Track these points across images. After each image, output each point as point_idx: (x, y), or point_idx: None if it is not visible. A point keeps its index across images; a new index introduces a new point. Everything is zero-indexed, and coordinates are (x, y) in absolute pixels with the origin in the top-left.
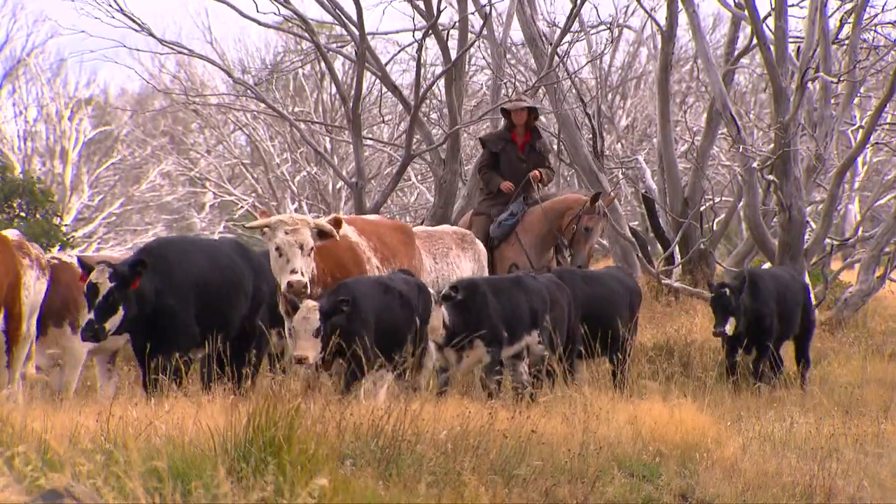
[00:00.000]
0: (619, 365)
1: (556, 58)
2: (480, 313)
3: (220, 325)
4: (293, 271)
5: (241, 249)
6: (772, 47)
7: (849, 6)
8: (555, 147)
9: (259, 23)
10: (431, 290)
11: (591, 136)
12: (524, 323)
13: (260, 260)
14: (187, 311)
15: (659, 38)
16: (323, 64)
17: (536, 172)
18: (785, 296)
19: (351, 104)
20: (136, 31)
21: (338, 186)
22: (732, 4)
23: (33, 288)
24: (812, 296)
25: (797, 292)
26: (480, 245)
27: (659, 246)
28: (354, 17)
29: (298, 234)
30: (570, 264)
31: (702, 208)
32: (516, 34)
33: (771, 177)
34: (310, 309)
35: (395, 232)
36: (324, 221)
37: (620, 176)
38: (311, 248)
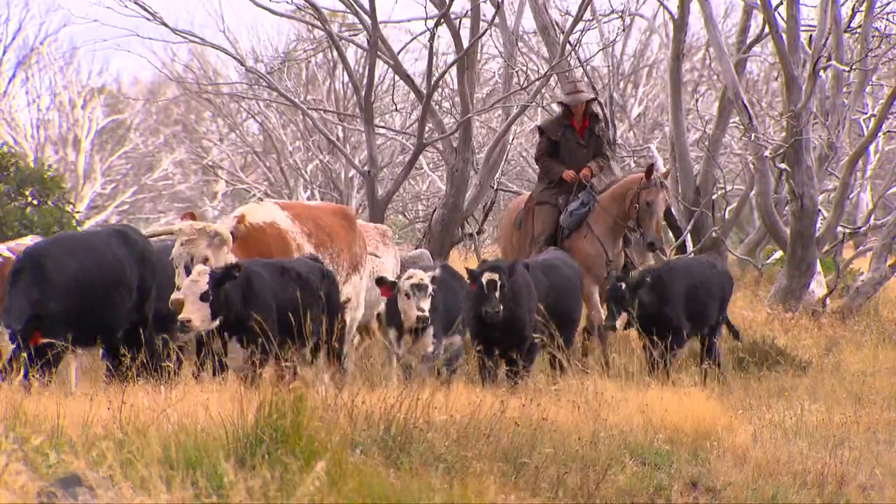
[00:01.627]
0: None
1: (568, 46)
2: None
3: (103, 322)
4: (177, 288)
5: (124, 240)
6: (784, 36)
7: None
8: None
9: (272, 11)
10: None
11: (602, 124)
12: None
13: (144, 248)
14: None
15: (671, 26)
16: (335, 52)
17: (587, 170)
18: (696, 290)
19: (363, 93)
20: (149, 19)
21: (350, 175)
22: None
23: None
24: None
25: (713, 285)
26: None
27: (671, 234)
28: (367, 6)
29: (192, 245)
30: (643, 245)
31: (714, 197)
32: (528, 22)
33: (783, 165)
34: (200, 273)
35: (334, 216)
36: (225, 226)
37: (632, 165)
38: (205, 259)
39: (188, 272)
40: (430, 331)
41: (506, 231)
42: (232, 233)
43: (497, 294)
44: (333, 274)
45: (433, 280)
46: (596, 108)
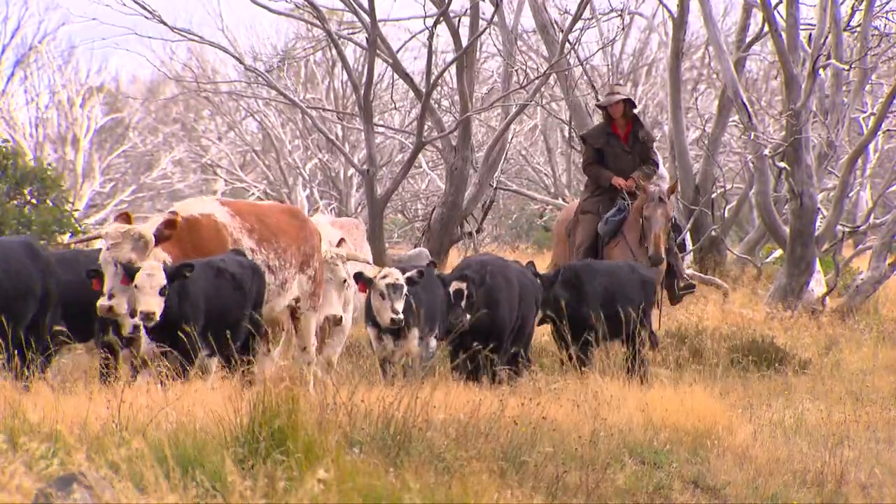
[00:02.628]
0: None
1: (568, 45)
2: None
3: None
4: (102, 294)
5: (30, 250)
6: (783, 34)
7: None
8: (566, 134)
9: (270, 10)
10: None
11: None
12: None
13: (48, 259)
14: None
15: (670, 24)
16: (334, 51)
17: (631, 181)
18: (614, 292)
19: (362, 91)
20: (148, 18)
21: (349, 173)
22: None
23: None
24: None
25: (632, 290)
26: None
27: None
28: (366, 4)
29: (117, 249)
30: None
31: (713, 195)
32: (527, 21)
33: (782, 164)
34: (154, 267)
35: (283, 215)
36: (151, 225)
37: None
38: (129, 261)
39: (131, 276)
40: (415, 332)
41: (559, 240)
42: (156, 234)
43: (463, 303)
44: (262, 270)
45: (410, 281)
46: (639, 116)
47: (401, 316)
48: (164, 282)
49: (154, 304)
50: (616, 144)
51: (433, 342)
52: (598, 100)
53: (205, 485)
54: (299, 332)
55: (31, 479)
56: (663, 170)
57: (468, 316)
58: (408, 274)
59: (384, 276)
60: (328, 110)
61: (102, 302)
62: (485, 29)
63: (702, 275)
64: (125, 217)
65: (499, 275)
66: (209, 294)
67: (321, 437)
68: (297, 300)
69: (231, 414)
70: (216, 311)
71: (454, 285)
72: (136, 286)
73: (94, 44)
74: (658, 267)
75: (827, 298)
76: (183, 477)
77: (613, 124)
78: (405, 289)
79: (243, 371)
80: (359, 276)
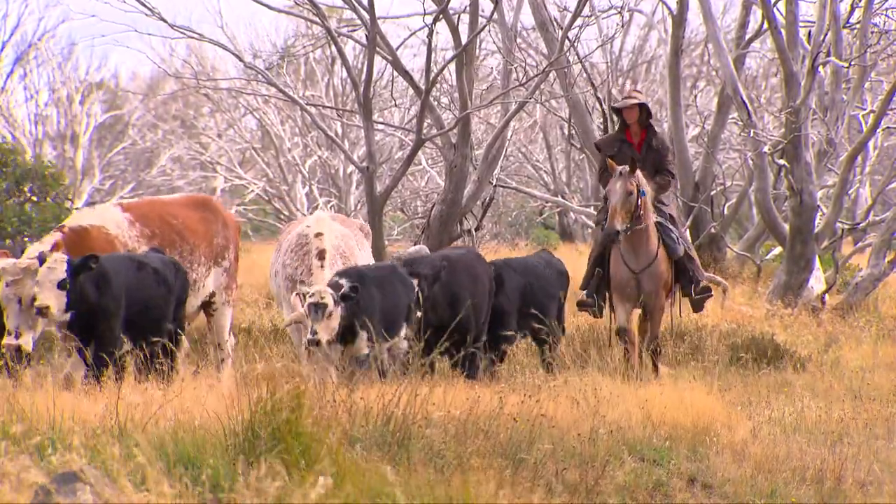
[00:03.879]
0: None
1: (567, 42)
2: (368, 306)
3: None
4: (8, 332)
5: None
6: (783, 31)
7: None
8: (566, 131)
9: (270, 7)
10: (330, 292)
11: (601, 120)
12: (402, 315)
13: None
14: None
15: (669, 21)
16: (334, 48)
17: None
18: (533, 288)
19: (362, 88)
20: (147, 15)
21: (348, 171)
22: None
23: None
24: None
25: (551, 283)
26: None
27: None
28: (365, 1)
29: (19, 286)
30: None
31: (713, 193)
32: (527, 18)
33: (782, 161)
34: (57, 260)
35: (190, 209)
36: (38, 250)
37: None
38: (33, 298)
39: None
40: (363, 335)
41: None
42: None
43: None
44: (184, 267)
45: (344, 297)
46: (654, 125)
47: (316, 338)
48: (65, 276)
49: (50, 298)
50: (628, 152)
51: (403, 343)
52: (597, 97)
53: (203, 482)
54: (214, 328)
55: (32, 476)
56: None
57: (418, 313)
58: (342, 290)
59: (311, 296)
60: (328, 107)
61: (9, 341)
62: (484, 26)
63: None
64: (3, 252)
65: (460, 270)
66: (131, 287)
67: (322, 435)
68: (211, 295)
69: (231, 411)
70: (138, 305)
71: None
72: (37, 280)
73: (93, 41)
74: (615, 244)
75: (826, 296)
76: (182, 474)
77: (628, 132)
78: (328, 308)
79: (167, 370)
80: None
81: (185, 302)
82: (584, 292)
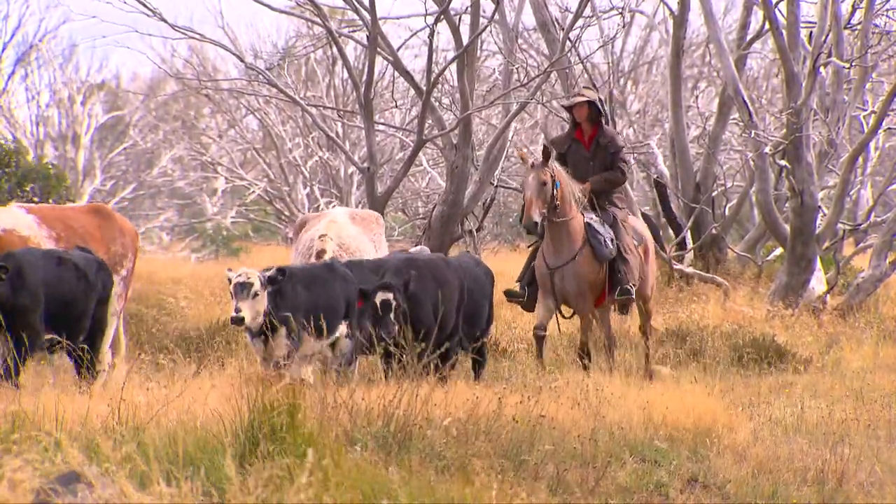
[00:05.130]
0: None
1: (568, 43)
2: (292, 302)
3: None
4: None
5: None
6: (784, 32)
7: None
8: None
9: (271, 7)
10: (257, 274)
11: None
12: (338, 314)
13: None
14: None
15: (671, 22)
16: (335, 49)
17: (587, 185)
18: (472, 290)
19: (363, 89)
20: (149, 15)
21: (349, 171)
22: None
23: None
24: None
25: (485, 284)
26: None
27: (671, 231)
28: (366, 2)
29: None
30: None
31: (714, 193)
32: (528, 19)
33: (783, 162)
34: None
35: (89, 216)
36: None
37: (632, 161)
38: None
39: None
40: (282, 331)
41: None
42: None
43: (391, 315)
44: (107, 265)
45: (271, 280)
46: (606, 123)
47: (240, 315)
48: None
49: None
50: (578, 150)
51: (346, 343)
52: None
53: (204, 482)
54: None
55: (34, 476)
56: (664, 168)
57: (396, 327)
58: (268, 273)
59: (238, 276)
60: (329, 108)
61: None
62: (485, 27)
63: (702, 273)
64: None
65: (426, 276)
66: (50, 282)
67: (322, 435)
68: None
69: (233, 412)
70: (58, 300)
71: (380, 296)
72: None
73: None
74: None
75: (828, 297)
76: (182, 474)
77: (579, 130)
78: (254, 287)
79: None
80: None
81: (107, 300)
82: (518, 283)
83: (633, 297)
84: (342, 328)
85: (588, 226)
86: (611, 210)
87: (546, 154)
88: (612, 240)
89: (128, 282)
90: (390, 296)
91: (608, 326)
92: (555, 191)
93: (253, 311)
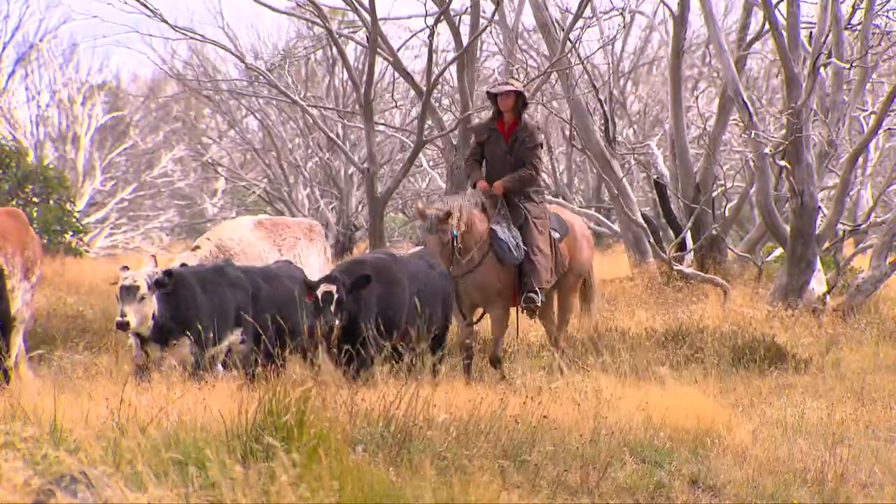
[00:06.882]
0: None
1: (569, 43)
2: (189, 308)
3: None
4: None
5: None
6: (784, 33)
7: None
8: (567, 133)
9: (272, 8)
10: (147, 277)
11: (602, 121)
12: (229, 319)
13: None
14: None
15: (671, 23)
16: (335, 49)
17: (499, 184)
18: (423, 292)
19: (363, 90)
20: (149, 16)
21: (350, 172)
22: None
23: None
24: None
25: (437, 285)
26: (323, 239)
27: (671, 232)
28: (366, 3)
29: None
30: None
31: (714, 194)
32: (528, 19)
33: (783, 162)
34: None
35: (5, 217)
36: None
37: (632, 161)
38: None
39: None
40: (186, 340)
41: None
42: None
43: (332, 306)
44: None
45: (158, 283)
46: (528, 114)
47: (124, 320)
48: None
49: None
50: (497, 141)
51: (241, 346)
52: (598, 99)
53: (205, 482)
54: (10, 346)
55: (34, 477)
56: (664, 169)
57: (337, 320)
58: (156, 277)
59: (124, 279)
60: (329, 109)
61: None
62: (485, 27)
63: (702, 273)
64: None
65: (377, 276)
66: None
67: (327, 436)
68: (17, 310)
69: (233, 412)
70: None
71: (323, 287)
72: None
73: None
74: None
75: (828, 297)
76: (183, 475)
77: (500, 120)
78: (140, 291)
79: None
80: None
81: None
82: None
83: (538, 304)
84: (235, 334)
85: (492, 233)
86: (524, 207)
87: (445, 217)
88: (517, 245)
89: (34, 290)
90: (333, 287)
91: (500, 331)
92: (454, 242)
93: (140, 315)
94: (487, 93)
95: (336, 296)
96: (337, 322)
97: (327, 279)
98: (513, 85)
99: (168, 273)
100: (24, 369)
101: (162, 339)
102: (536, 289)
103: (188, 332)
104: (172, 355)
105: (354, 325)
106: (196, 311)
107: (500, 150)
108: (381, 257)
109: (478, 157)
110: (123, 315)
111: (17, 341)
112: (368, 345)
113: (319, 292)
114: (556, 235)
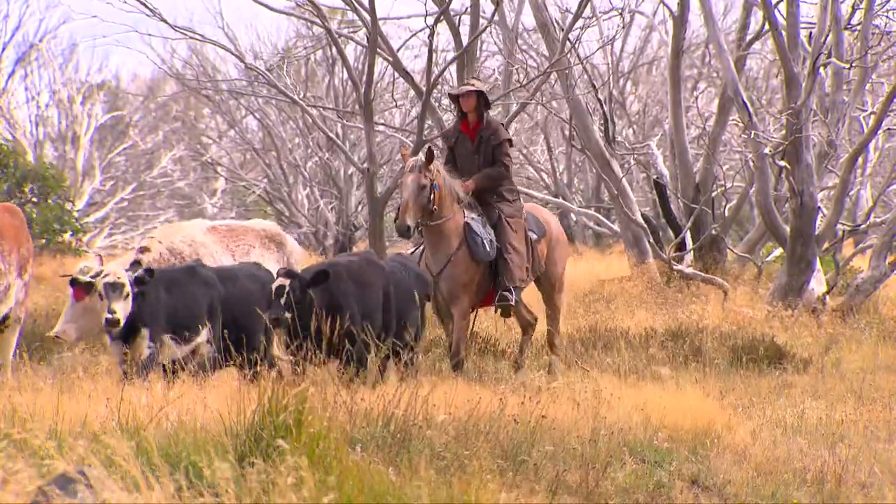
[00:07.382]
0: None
1: (568, 43)
2: (152, 306)
3: None
4: None
5: None
6: (784, 33)
7: None
8: (567, 133)
9: (271, 8)
10: (121, 269)
11: (602, 121)
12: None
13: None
14: None
15: (670, 23)
16: (335, 49)
17: (470, 183)
18: (398, 292)
19: (363, 89)
20: (149, 16)
21: (349, 172)
22: None
23: None
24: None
25: (413, 287)
26: (293, 245)
27: (670, 232)
28: (366, 3)
29: None
30: None
31: (713, 194)
32: (528, 19)
33: (783, 162)
34: None
35: (4, 214)
36: None
37: (632, 162)
38: None
39: None
40: (145, 333)
41: None
42: None
43: (283, 300)
44: None
45: (138, 280)
46: (491, 115)
47: (115, 316)
48: None
49: None
50: (464, 143)
51: (206, 347)
52: (598, 99)
53: (205, 483)
54: (2, 347)
55: (33, 477)
56: (663, 169)
57: (287, 314)
58: (136, 273)
59: (105, 276)
60: (329, 109)
61: None
62: (485, 27)
63: (702, 273)
64: None
65: (345, 278)
66: None
67: (327, 435)
68: (10, 309)
69: (233, 413)
70: None
71: (277, 281)
72: None
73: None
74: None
75: (827, 297)
76: (182, 475)
77: (465, 122)
78: (126, 288)
79: None
80: (73, 282)
81: None
82: None
83: (513, 304)
84: (203, 334)
85: (467, 226)
86: (497, 207)
87: (429, 156)
88: (490, 241)
89: (27, 289)
90: (286, 282)
91: (462, 331)
92: (432, 194)
93: (125, 311)
94: (449, 95)
95: (287, 290)
96: (287, 315)
97: (284, 273)
98: (473, 85)
99: (149, 271)
100: (8, 371)
101: (126, 337)
102: (511, 287)
103: (148, 329)
104: (133, 352)
105: (308, 321)
106: (161, 309)
107: (468, 150)
108: (354, 259)
109: (451, 160)
110: (113, 312)
111: (13, 340)
112: (357, 342)
113: (274, 286)
114: (534, 236)
